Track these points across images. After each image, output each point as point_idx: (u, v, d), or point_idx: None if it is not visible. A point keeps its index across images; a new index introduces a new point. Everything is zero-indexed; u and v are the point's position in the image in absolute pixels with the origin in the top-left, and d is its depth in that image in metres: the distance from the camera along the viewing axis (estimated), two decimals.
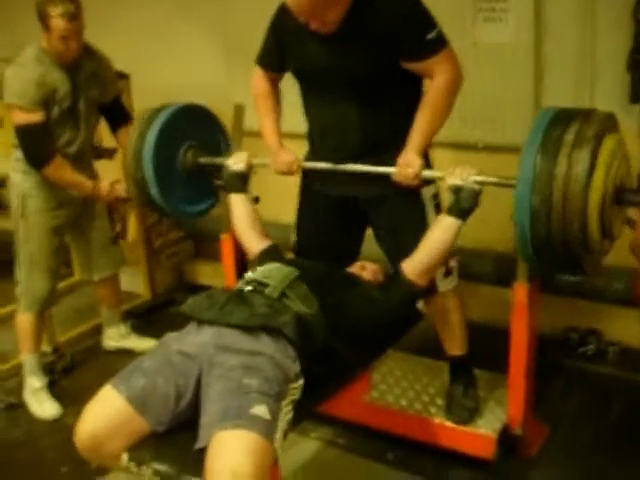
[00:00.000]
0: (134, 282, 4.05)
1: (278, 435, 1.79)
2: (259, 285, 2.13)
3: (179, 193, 2.75)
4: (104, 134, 3.73)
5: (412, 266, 2.18)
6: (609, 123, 1.94)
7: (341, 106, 2.37)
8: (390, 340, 2.53)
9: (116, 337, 3.69)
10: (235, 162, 2.61)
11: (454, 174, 2.15)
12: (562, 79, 3.11)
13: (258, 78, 2.63)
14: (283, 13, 2.34)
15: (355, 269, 2.45)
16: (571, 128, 1.86)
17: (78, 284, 4.23)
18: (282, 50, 2.47)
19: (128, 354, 3.39)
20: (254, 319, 1.98)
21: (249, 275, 2.24)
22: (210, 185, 2.77)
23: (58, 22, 2.81)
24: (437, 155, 2.54)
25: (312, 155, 2.59)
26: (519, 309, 2.43)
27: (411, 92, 2.37)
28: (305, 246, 2.69)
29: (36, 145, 2.96)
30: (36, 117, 2.89)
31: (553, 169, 1.83)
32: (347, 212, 2.57)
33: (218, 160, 2.71)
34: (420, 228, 2.32)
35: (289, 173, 2.59)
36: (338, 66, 2.30)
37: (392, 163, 2.33)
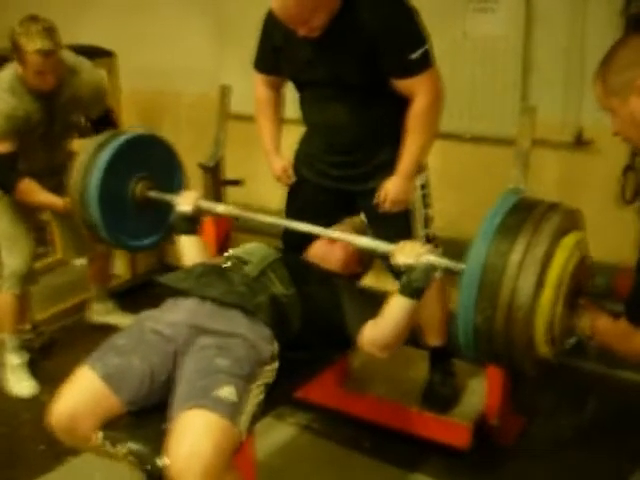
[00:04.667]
0: (114, 263, 4.03)
1: (244, 417, 1.77)
2: (239, 262, 2.14)
3: (130, 226, 2.62)
4: None
5: (370, 338, 2.05)
6: (568, 224, 1.75)
7: (331, 107, 2.38)
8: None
9: (102, 312, 3.71)
10: (182, 202, 2.43)
11: (404, 252, 2.00)
12: (550, 73, 3.11)
13: (259, 85, 2.61)
14: (273, 18, 2.28)
15: (323, 243, 2.39)
16: (518, 245, 1.65)
17: (57, 263, 4.20)
18: (276, 52, 2.45)
19: (108, 333, 3.37)
20: (231, 296, 1.98)
21: (230, 251, 2.24)
22: (162, 217, 2.60)
23: (33, 58, 2.71)
24: None
25: (305, 144, 2.61)
26: None
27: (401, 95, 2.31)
28: (293, 232, 2.67)
29: (3, 173, 2.95)
30: (3, 147, 2.87)
31: (497, 290, 1.65)
32: (338, 202, 2.57)
33: (167, 197, 2.54)
34: (406, 218, 2.39)
35: (284, 180, 2.61)
36: (327, 71, 2.30)
37: (382, 155, 2.39)
